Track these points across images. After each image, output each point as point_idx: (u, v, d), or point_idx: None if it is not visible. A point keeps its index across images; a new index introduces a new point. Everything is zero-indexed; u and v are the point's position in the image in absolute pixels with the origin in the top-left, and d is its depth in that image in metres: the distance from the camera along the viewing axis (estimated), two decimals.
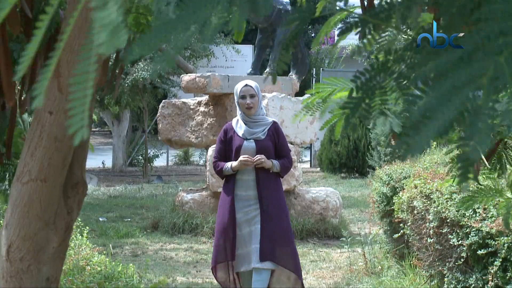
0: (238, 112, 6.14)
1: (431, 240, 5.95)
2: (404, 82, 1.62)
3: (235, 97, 6.13)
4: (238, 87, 6.12)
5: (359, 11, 2.09)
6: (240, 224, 5.97)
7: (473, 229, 5.35)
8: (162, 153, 23.81)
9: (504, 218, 2.99)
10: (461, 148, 1.24)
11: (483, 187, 3.15)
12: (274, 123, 6.17)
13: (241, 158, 5.97)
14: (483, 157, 2.92)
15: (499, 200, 3.09)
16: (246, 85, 6.09)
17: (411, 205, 6.45)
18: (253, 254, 5.89)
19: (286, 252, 5.94)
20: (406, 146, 1.28)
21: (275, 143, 6.09)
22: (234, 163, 5.99)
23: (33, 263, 2.88)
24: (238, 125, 6.13)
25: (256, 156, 5.96)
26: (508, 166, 3.21)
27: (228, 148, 6.13)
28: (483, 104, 1.25)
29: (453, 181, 3.49)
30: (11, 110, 3.37)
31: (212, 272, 6.17)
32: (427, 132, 1.26)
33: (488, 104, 1.25)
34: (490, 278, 5.21)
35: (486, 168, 3.20)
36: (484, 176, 3.51)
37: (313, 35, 29.74)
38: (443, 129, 1.25)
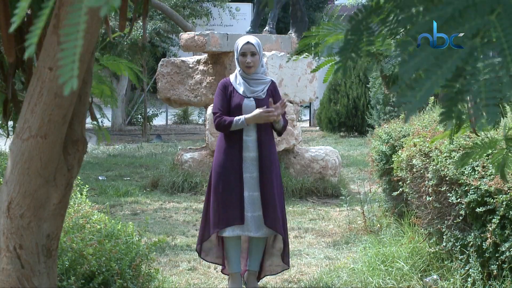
0: (238, 68, 5.88)
1: (430, 198, 5.96)
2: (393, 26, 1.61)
3: (235, 53, 5.87)
4: (239, 43, 5.84)
5: None
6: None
7: (472, 187, 5.36)
8: (161, 112, 23.82)
9: (500, 169, 2.97)
10: (446, 89, 1.23)
11: (478, 142, 3.14)
12: (273, 82, 5.95)
13: (261, 110, 5.68)
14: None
15: (492, 152, 3.06)
16: (248, 42, 5.80)
17: (410, 163, 6.45)
18: (253, 221, 5.74)
19: (279, 219, 5.76)
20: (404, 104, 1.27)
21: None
22: (248, 116, 5.68)
23: (34, 220, 2.89)
24: (237, 82, 5.87)
25: (272, 107, 5.69)
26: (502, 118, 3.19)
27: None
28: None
29: (445, 135, 3.47)
30: (10, 65, 3.34)
31: (202, 240, 5.93)
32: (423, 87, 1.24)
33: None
34: (488, 236, 5.23)
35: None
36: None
37: None
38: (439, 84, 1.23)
